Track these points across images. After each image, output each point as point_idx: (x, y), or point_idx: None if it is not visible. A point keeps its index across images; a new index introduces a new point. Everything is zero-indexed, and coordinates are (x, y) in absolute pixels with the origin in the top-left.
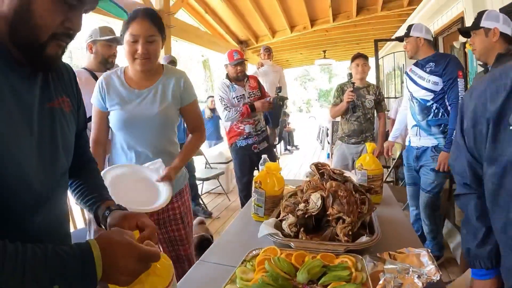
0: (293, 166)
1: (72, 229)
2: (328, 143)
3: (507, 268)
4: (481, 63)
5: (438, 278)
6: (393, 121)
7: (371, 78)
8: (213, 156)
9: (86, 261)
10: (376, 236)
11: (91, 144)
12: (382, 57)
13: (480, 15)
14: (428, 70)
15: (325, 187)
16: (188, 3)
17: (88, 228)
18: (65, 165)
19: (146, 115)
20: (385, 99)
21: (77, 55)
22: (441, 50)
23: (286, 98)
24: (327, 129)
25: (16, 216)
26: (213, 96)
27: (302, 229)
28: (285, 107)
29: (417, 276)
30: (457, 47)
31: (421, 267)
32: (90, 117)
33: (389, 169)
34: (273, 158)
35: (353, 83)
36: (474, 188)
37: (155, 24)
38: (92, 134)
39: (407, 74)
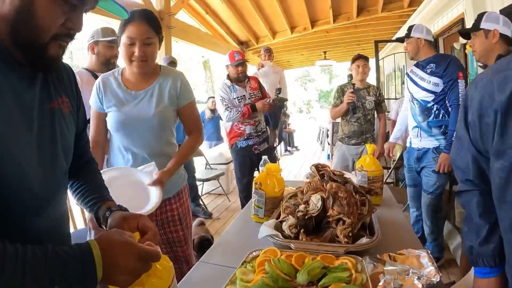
0: (293, 167)
1: (72, 229)
2: (328, 144)
3: None
4: (481, 64)
5: (438, 279)
6: (393, 122)
7: (371, 79)
8: (213, 157)
9: (86, 262)
10: (376, 237)
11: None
12: (383, 58)
13: (480, 17)
14: (428, 71)
15: (325, 188)
16: (188, 4)
17: (89, 228)
18: (65, 166)
19: (143, 117)
20: (385, 100)
21: (77, 55)
22: (441, 52)
23: (286, 100)
24: (327, 130)
25: (16, 217)
26: (213, 97)
27: (302, 231)
28: (285, 108)
29: (417, 277)
30: (458, 48)
31: (421, 268)
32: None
33: (389, 170)
34: (273, 159)
35: (353, 84)
36: (477, 184)
37: (151, 26)
38: (90, 136)
39: (408, 75)
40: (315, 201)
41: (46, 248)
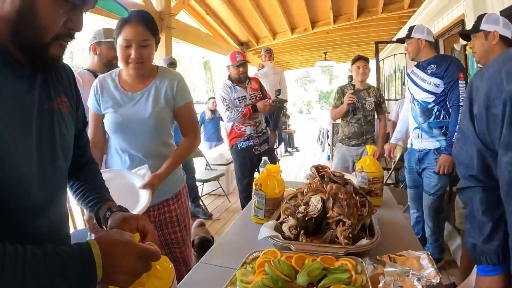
0: (294, 168)
1: (72, 230)
2: (329, 145)
3: None
4: (481, 66)
5: (438, 281)
6: (394, 123)
7: (371, 80)
8: (213, 158)
9: (86, 261)
10: (376, 238)
11: None
12: (383, 59)
13: (480, 18)
14: (429, 72)
15: (325, 189)
16: (189, 5)
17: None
18: (64, 166)
19: (139, 118)
20: (386, 101)
21: (78, 55)
22: (441, 53)
23: (286, 101)
24: (328, 131)
25: (16, 217)
26: (214, 97)
27: (302, 232)
28: (284, 109)
29: (417, 279)
30: (458, 49)
31: (421, 270)
32: None
33: (390, 171)
34: (274, 160)
35: (354, 85)
36: (480, 180)
37: (148, 28)
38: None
39: (409, 76)
40: (315, 202)
41: (46, 248)
